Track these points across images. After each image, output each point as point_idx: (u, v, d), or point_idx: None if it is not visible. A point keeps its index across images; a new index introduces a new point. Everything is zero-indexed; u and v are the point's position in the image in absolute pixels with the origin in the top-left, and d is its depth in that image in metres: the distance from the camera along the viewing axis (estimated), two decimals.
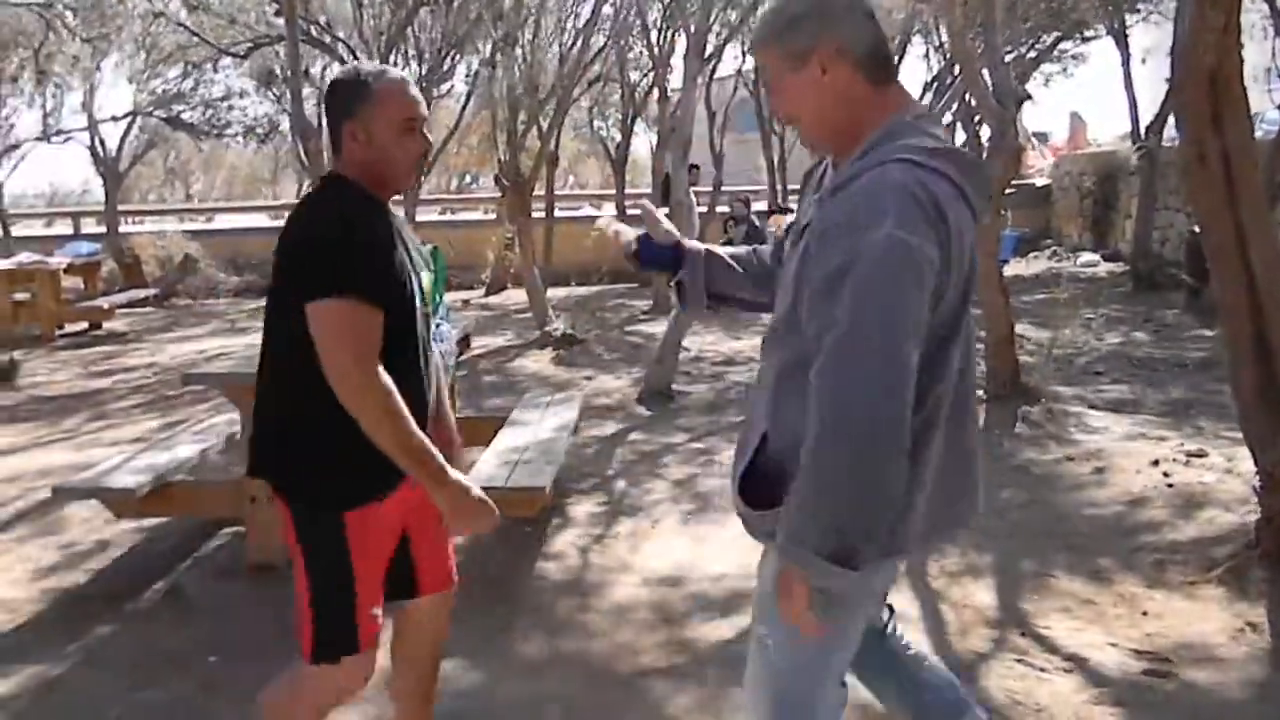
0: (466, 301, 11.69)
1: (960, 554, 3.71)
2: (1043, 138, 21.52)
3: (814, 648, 1.74)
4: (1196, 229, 4.76)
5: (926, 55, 13.70)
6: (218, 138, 16.72)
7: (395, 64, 10.62)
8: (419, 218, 11.15)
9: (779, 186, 14.75)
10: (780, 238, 2.02)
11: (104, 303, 10.73)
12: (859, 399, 1.49)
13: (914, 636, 2.28)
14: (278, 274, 1.98)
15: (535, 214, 11.13)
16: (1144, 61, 12.79)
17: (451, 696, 2.72)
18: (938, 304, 1.56)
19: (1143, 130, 11.16)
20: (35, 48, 13.31)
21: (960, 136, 11.88)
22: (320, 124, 12.99)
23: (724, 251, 2.04)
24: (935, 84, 12.88)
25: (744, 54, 15.01)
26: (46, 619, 3.45)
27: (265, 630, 3.28)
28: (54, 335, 9.97)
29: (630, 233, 2.08)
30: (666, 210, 9.46)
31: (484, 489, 2.05)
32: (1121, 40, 11.87)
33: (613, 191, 14.69)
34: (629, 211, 13.59)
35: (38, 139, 14.84)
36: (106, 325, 10.57)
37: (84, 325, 10.56)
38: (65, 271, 10.73)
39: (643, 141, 18.40)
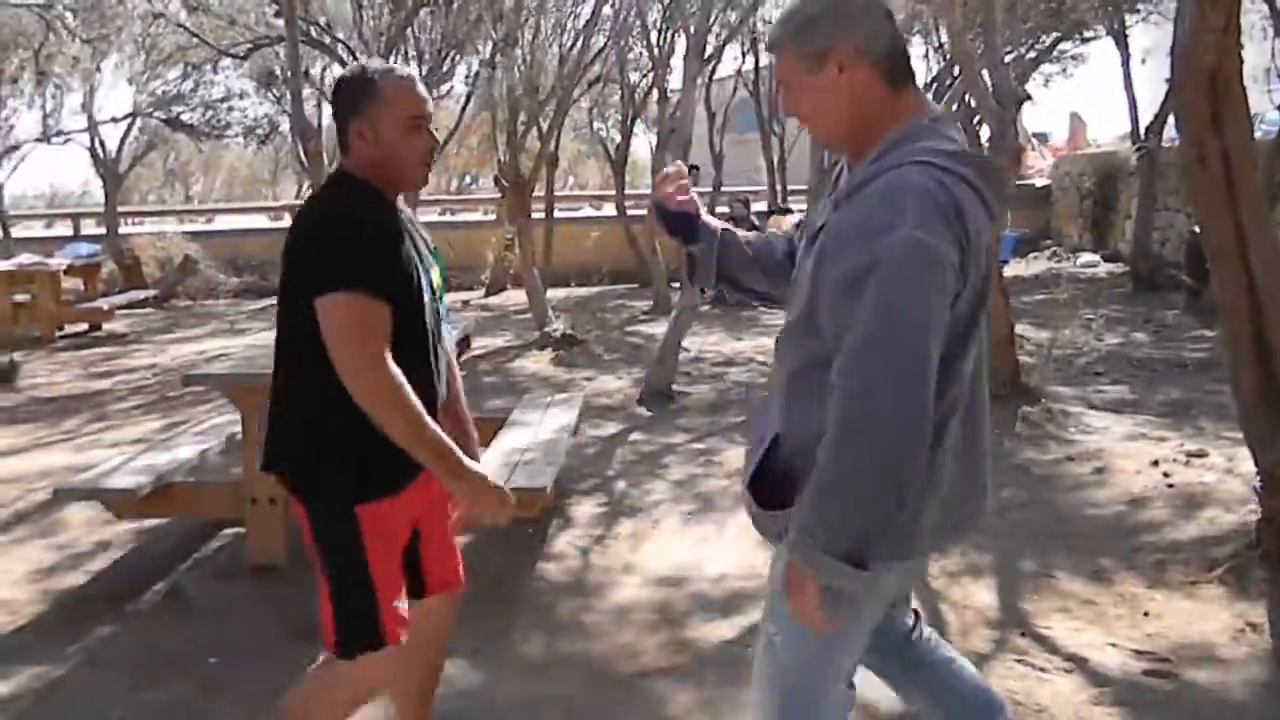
0: (466, 302, 11.69)
1: (960, 554, 3.71)
2: (1042, 138, 21.54)
3: (821, 647, 1.74)
4: (1196, 229, 4.77)
5: (926, 56, 13.71)
6: (217, 139, 16.72)
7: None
8: (419, 218, 11.12)
9: (779, 187, 14.74)
10: (789, 234, 2.02)
11: (104, 304, 10.73)
12: (882, 399, 1.50)
13: None
14: (287, 271, 1.99)
15: (535, 215, 11.14)
16: (1144, 62, 12.80)
17: (452, 697, 2.72)
18: (955, 305, 1.56)
19: (1142, 131, 11.16)
20: (35, 49, 13.31)
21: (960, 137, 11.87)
22: (320, 125, 13.03)
23: (741, 235, 2.02)
24: (935, 84, 12.88)
25: (743, 55, 15.05)
26: (47, 620, 3.46)
27: (266, 631, 3.28)
28: (54, 336, 9.97)
29: (669, 189, 2.00)
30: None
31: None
32: (1121, 41, 11.87)
33: (612, 192, 14.67)
34: (629, 212, 13.61)
35: (37, 140, 14.84)
36: (106, 326, 10.57)
37: (84, 326, 10.57)
38: (65, 273, 10.72)
39: (642, 142, 18.42)
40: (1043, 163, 17.62)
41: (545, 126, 10.93)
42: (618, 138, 15.18)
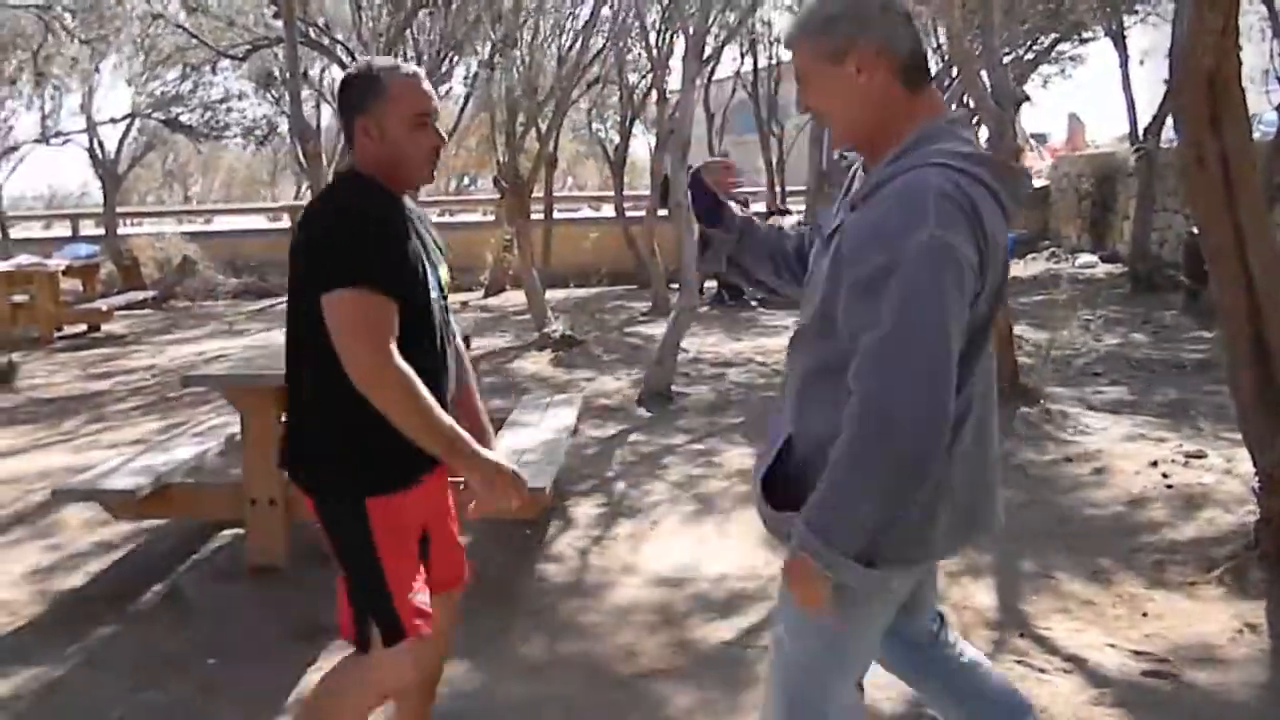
0: (465, 303, 11.69)
1: (960, 555, 3.71)
2: (1041, 139, 21.55)
3: (831, 647, 1.74)
4: (1195, 230, 4.77)
5: None
6: (216, 140, 16.72)
7: None
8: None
9: (778, 188, 14.75)
10: (801, 231, 2.01)
11: (102, 305, 10.72)
12: (900, 400, 1.50)
13: None
14: (294, 270, 1.99)
15: (534, 216, 11.14)
16: (1142, 63, 12.79)
17: (452, 697, 2.73)
18: (974, 305, 1.57)
19: (1141, 132, 11.17)
20: (34, 50, 13.30)
21: None
22: (318, 126, 13.03)
23: (764, 229, 2.02)
24: (934, 85, 12.88)
25: (742, 56, 15.06)
26: (46, 621, 3.45)
27: (265, 632, 3.28)
28: (52, 337, 9.97)
29: (723, 176, 2.01)
30: (665, 213, 9.49)
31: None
32: (1120, 42, 11.87)
33: (611, 193, 14.68)
34: (628, 213, 13.62)
35: (36, 141, 14.85)
36: (105, 327, 10.56)
37: (82, 327, 10.55)
38: (64, 273, 10.72)
39: (641, 143, 18.41)
40: (1041, 164, 17.62)
41: (544, 127, 10.94)
42: (616, 139, 15.20)
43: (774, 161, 14.85)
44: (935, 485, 1.58)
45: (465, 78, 13.29)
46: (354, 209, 1.97)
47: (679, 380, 6.83)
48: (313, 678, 2.95)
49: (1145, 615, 3.24)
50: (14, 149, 14.76)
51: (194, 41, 12.45)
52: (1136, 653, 2.99)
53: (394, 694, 2.15)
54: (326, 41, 11.21)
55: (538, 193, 11.84)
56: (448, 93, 13.70)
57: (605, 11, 11.20)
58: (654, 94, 12.05)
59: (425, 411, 1.90)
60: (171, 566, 3.89)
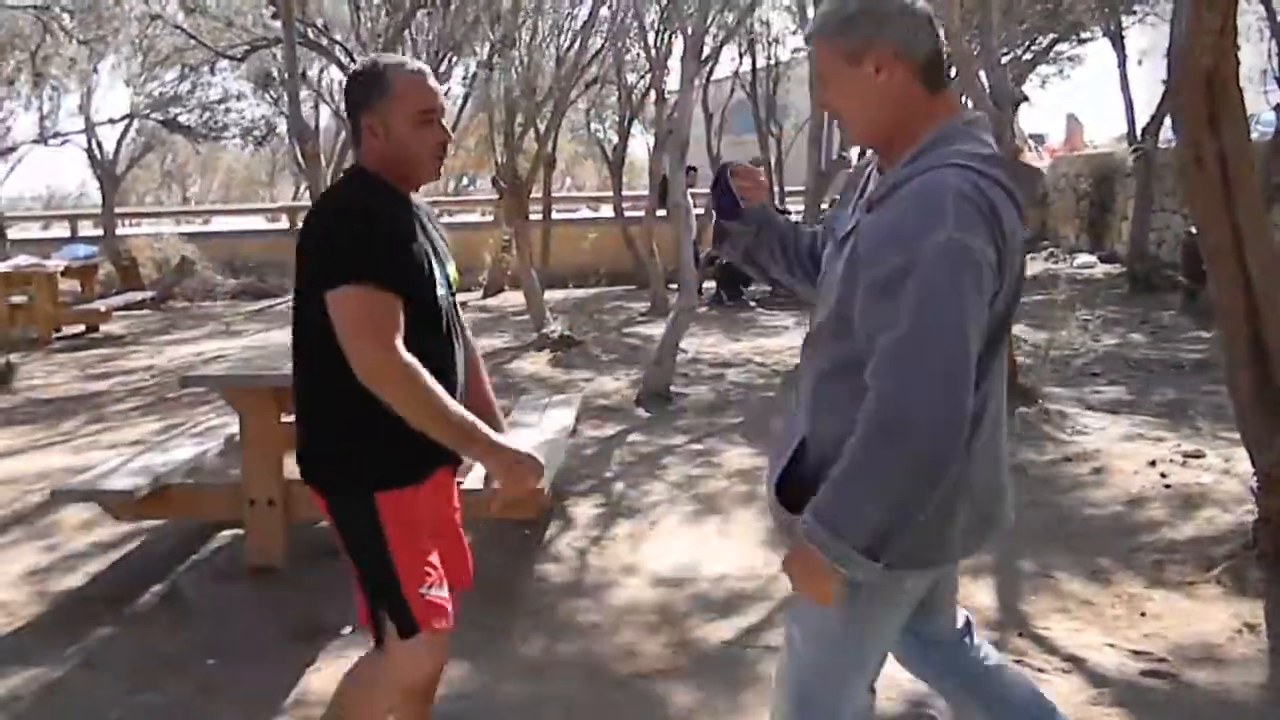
0: (464, 304, 11.56)
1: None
2: (1039, 139, 21.53)
3: (843, 648, 1.74)
4: (1193, 230, 4.77)
5: None
6: (215, 140, 16.72)
7: None
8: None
9: (776, 188, 14.76)
10: (816, 230, 2.01)
11: (101, 305, 10.72)
12: (919, 401, 1.50)
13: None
14: (301, 267, 2.00)
15: (532, 216, 11.14)
16: (1140, 63, 12.81)
17: (451, 698, 2.73)
18: (992, 304, 1.57)
19: (1139, 132, 11.18)
20: (32, 50, 13.30)
21: None
22: (317, 127, 13.02)
23: (782, 224, 2.02)
24: None
25: (740, 56, 15.06)
26: (45, 622, 3.45)
27: (264, 633, 3.28)
28: (51, 338, 9.96)
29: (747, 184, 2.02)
30: (663, 213, 9.49)
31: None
32: (1118, 42, 11.88)
33: (610, 193, 14.68)
34: (626, 214, 13.61)
35: (34, 141, 14.84)
36: (104, 328, 10.55)
37: (81, 328, 10.55)
38: (62, 274, 10.70)
39: (640, 144, 18.46)
40: (1039, 164, 17.63)
41: (543, 128, 10.94)
42: (615, 139, 15.20)
43: (772, 162, 14.85)
44: (954, 484, 1.58)
45: (464, 78, 13.30)
46: (357, 206, 1.97)
47: (678, 380, 6.83)
48: (311, 678, 2.96)
49: (1144, 615, 3.24)
50: (12, 149, 14.76)
51: (192, 42, 12.45)
52: (1135, 652, 3.00)
53: (412, 689, 2.15)
54: (325, 42, 11.21)
55: (536, 193, 11.84)
56: (446, 93, 13.69)
57: (604, 12, 11.20)
58: (652, 94, 12.05)
59: (435, 403, 1.89)
60: (170, 567, 3.89)
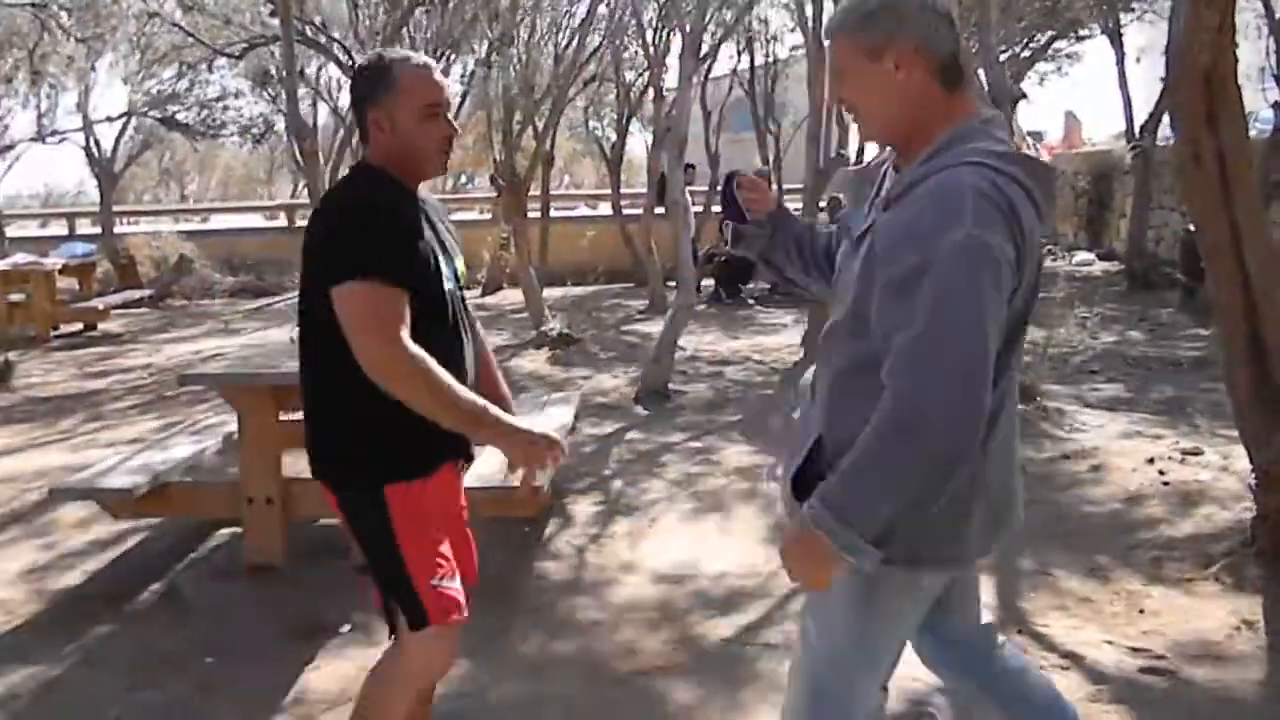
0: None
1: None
2: (1038, 137, 21.53)
3: (858, 645, 1.74)
4: (1191, 228, 4.77)
5: None
6: (213, 138, 16.72)
7: None
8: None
9: (774, 186, 14.75)
10: (831, 230, 2.01)
11: (99, 303, 10.71)
12: (935, 399, 1.49)
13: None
14: (307, 262, 2.00)
15: (531, 214, 11.13)
16: (1139, 60, 12.82)
17: (451, 696, 2.73)
18: (1011, 301, 1.57)
19: (1137, 129, 11.19)
20: (30, 48, 13.28)
21: None
22: (315, 124, 13.00)
23: (797, 225, 2.03)
24: None
25: (739, 53, 15.04)
26: (44, 620, 3.45)
27: (263, 631, 3.28)
28: (49, 336, 9.95)
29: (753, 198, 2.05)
30: (661, 210, 9.49)
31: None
32: (1116, 39, 11.90)
33: (608, 191, 14.67)
34: (624, 211, 13.60)
35: (32, 140, 14.81)
36: (102, 326, 10.55)
37: (79, 326, 10.54)
38: (60, 272, 10.70)
39: (638, 141, 18.48)
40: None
41: (541, 125, 10.94)
42: (613, 137, 15.18)
43: (771, 160, 14.84)
44: (970, 484, 1.58)
45: (462, 76, 13.28)
46: (363, 202, 1.98)
47: (676, 378, 6.83)
48: (310, 676, 2.97)
49: (1142, 612, 3.25)
50: (10, 147, 14.73)
51: (190, 40, 12.42)
52: (1134, 649, 3.00)
53: (427, 682, 2.15)
54: (323, 40, 11.19)
55: (534, 191, 11.84)
56: None
57: (602, 9, 11.20)
58: (651, 92, 12.03)
59: (445, 392, 1.89)
60: (169, 565, 3.89)
